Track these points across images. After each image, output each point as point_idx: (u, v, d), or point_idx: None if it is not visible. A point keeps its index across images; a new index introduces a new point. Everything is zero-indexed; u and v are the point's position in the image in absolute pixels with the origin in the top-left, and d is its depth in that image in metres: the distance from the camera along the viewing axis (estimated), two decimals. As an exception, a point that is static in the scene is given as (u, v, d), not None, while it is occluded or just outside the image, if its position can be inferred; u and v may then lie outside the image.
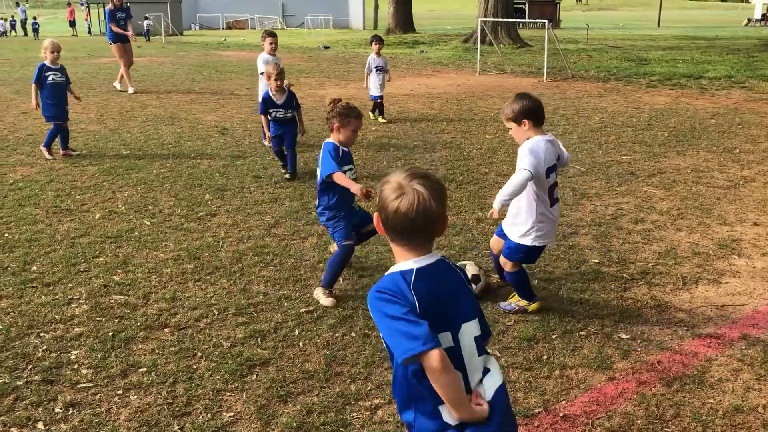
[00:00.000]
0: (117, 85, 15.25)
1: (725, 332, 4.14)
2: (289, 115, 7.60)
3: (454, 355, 2.02)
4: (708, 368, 3.72)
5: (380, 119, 11.26)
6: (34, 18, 43.09)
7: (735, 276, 4.98)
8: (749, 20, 54.61)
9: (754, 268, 5.13)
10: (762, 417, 3.29)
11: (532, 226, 4.14)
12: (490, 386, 2.10)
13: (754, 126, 10.60)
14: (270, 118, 7.59)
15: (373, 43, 11.30)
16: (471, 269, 4.58)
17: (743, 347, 3.94)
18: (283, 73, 7.52)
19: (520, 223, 4.20)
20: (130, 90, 14.71)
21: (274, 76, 7.42)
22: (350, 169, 4.75)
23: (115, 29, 14.58)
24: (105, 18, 15.14)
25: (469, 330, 2.07)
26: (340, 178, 4.50)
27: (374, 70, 11.11)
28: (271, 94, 7.53)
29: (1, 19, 44.98)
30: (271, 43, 9.47)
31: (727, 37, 34.48)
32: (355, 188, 4.47)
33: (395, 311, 1.96)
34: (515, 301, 4.38)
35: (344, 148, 4.75)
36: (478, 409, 2.03)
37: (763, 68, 18.28)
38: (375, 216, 2.12)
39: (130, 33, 14.68)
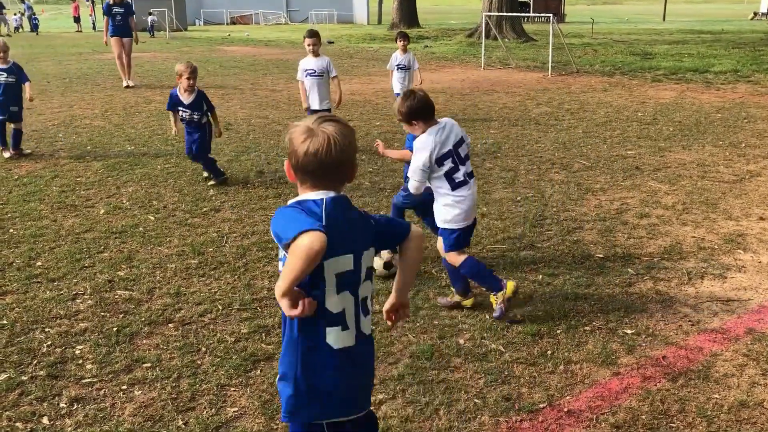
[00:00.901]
0: (126, 81, 15.24)
1: (731, 327, 4.12)
2: (196, 117, 7.04)
3: (353, 279, 2.14)
4: (713, 363, 3.71)
5: None
6: (33, 13, 43.03)
7: (740, 271, 4.96)
8: (755, 14, 54.21)
9: (759, 262, 5.10)
10: (767, 412, 3.27)
11: (443, 212, 4.24)
12: (366, 326, 2.23)
13: (760, 120, 10.55)
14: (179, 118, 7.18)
15: (398, 40, 10.50)
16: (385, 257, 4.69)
17: (749, 342, 3.93)
18: (196, 72, 6.99)
19: (435, 211, 4.33)
20: (127, 83, 14.82)
21: (187, 74, 6.92)
22: None
23: (105, 23, 14.85)
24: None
25: (366, 258, 2.19)
26: None
27: (396, 68, 10.33)
28: (179, 92, 7.03)
29: (16, 13, 44.93)
30: (309, 45, 8.20)
31: (733, 31, 34.30)
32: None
33: (296, 214, 2.02)
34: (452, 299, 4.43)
35: None
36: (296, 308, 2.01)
37: (769, 62, 18.18)
38: (285, 163, 2.14)
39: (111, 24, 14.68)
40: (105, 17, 15.07)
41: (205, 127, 7.21)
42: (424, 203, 4.77)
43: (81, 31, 40.93)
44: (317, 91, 8.24)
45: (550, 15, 18.37)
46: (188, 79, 6.94)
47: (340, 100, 8.73)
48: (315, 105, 8.27)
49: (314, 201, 2.08)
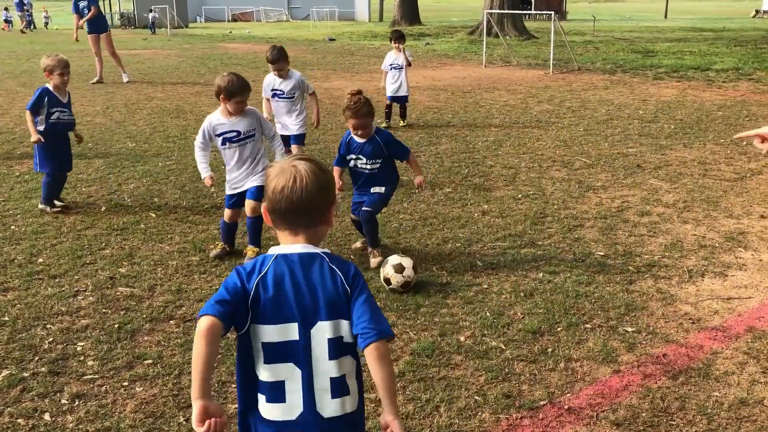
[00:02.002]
0: (125, 76, 15.26)
1: (731, 325, 4.12)
2: (72, 119, 6.28)
3: (294, 350, 1.93)
4: (713, 361, 3.71)
5: (385, 123, 10.06)
6: (27, 10, 42.86)
7: (741, 269, 4.96)
8: (757, 12, 54.12)
9: (760, 260, 5.11)
10: (767, 410, 3.28)
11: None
12: (328, 408, 1.95)
13: (762, 118, 10.53)
14: (50, 121, 6.06)
15: (392, 41, 10.30)
16: (399, 261, 4.53)
17: (749, 340, 3.93)
18: (69, 67, 6.10)
19: None
20: (93, 79, 14.91)
21: (60, 69, 6.04)
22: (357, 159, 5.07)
23: (75, 21, 14.98)
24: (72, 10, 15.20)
25: (322, 330, 1.94)
26: None
27: (390, 68, 10.06)
28: (52, 88, 6.10)
29: (7, 8, 44.80)
30: (273, 71, 7.02)
31: (734, 29, 34.25)
32: None
33: (227, 281, 1.97)
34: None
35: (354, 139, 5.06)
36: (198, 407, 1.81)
37: (771, 60, 18.16)
38: (262, 205, 2.07)
39: (80, 22, 14.82)
40: (74, 15, 15.05)
41: (68, 141, 6.35)
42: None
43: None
44: (286, 114, 6.96)
45: (552, 12, 18.36)
46: (62, 75, 6.07)
47: (319, 119, 7.30)
48: (284, 130, 6.90)
49: (265, 257, 2.01)
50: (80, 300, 4.48)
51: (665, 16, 53.49)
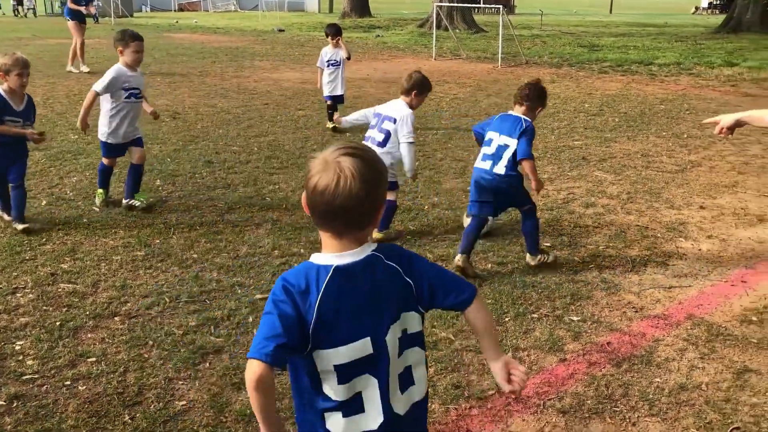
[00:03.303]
0: (71, 67, 14.81)
1: (672, 313, 4.25)
2: (27, 129, 5.46)
3: (372, 363, 1.81)
4: (655, 348, 3.82)
5: (328, 123, 9.35)
6: None
7: (682, 258, 5.11)
8: (696, 8, 55.74)
9: (699, 250, 5.27)
10: (705, 394, 3.39)
11: None
12: (399, 404, 1.89)
13: (701, 112, 10.87)
14: None
15: (329, 36, 9.55)
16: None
17: (689, 327, 4.06)
18: (29, 67, 5.32)
19: None
20: (85, 69, 14.53)
21: (18, 70, 5.19)
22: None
23: (72, 6, 14.53)
24: None
25: (393, 332, 1.85)
26: None
27: (327, 64, 9.38)
28: (5, 95, 5.26)
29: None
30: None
31: (676, 25, 35.23)
32: None
33: (273, 315, 1.78)
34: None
35: None
36: None
37: (709, 55, 18.73)
38: (303, 194, 1.82)
39: (86, 9, 14.79)
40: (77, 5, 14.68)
41: (25, 148, 5.62)
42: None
43: (26, 16, 39.50)
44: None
45: (500, 6, 18.53)
46: (20, 76, 5.22)
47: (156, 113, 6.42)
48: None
49: (318, 269, 1.78)
50: (19, 297, 4.33)
51: (610, 11, 54.63)
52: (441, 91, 12.95)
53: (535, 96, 4.86)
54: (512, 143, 4.64)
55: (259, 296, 4.37)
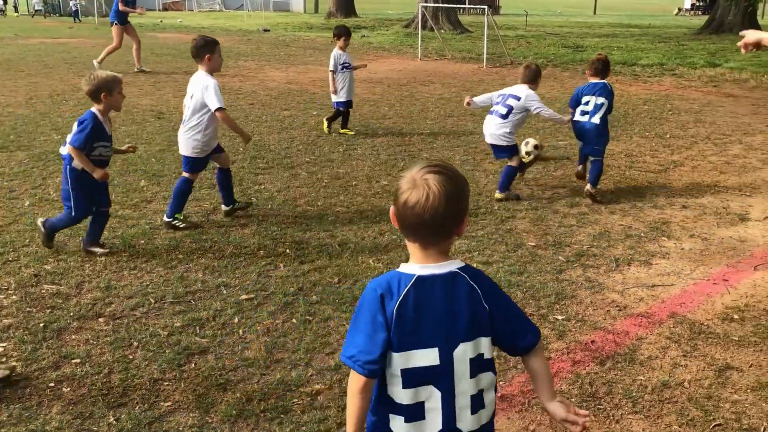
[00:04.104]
0: (141, 67, 15.20)
1: (655, 311, 4.29)
2: (111, 153, 5.09)
3: (434, 373, 1.91)
4: (639, 346, 3.86)
5: (346, 131, 9.15)
6: None
7: (665, 257, 5.16)
8: (679, 9, 56.19)
9: (682, 249, 5.33)
10: (687, 391, 3.43)
11: None
12: (467, 423, 1.98)
13: (684, 112, 10.97)
14: None
15: (339, 37, 9.17)
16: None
17: (671, 325, 4.10)
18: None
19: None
20: (145, 68, 15.19)
21: (119, 87, 4.89)
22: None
23: (123, 8, 14.79)
24: None
25: (465, 351, 1.93)
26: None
27: (341, 68, 9.01)
28: (101, 117, 4.85)
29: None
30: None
31: (659, 26, 35.51)
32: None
33: (365, 316, 1.91)
34: None
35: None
36: None
37: (692, 56, 18.91)
38: (391, 208, 1.97)
39: (138, 10, 15.60)
40: (120, 2, 14.93)
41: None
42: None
43: (13, 13, 39.10)
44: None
45: (485, 7, 18.61)
46: (121, 93, 4.94)
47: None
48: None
49: (401, 277, 1.92)
50: (2, 299, 4.30)
51: (594, 12, 54.96)
52: (426, 91, 12.98)
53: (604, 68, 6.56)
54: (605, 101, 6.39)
55: (244, 297, 4.36)
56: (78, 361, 3.61)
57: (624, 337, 3.96)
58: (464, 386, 1.94)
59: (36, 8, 39.37)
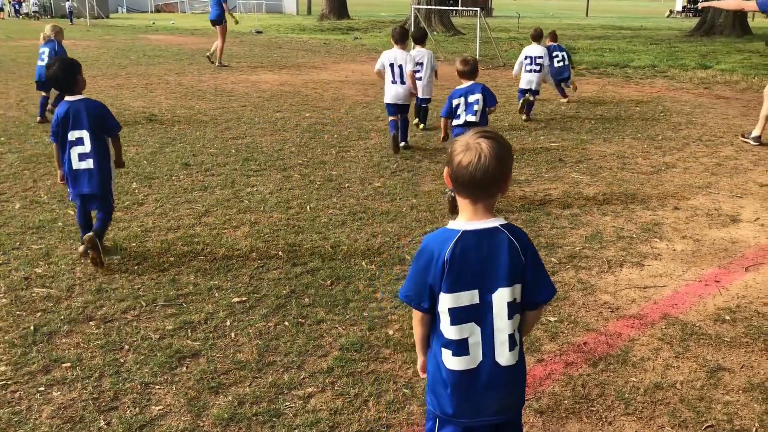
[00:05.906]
0: (222, 62, 16.78)
1: (647, 313, 4.30)
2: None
3: (475, 312, 2.21)
4: (631, 348, 3.86)
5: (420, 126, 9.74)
6: None
7: (657, 258, 5.18)
8: (671, 11, 56.44)
9: (674, 250, 5.34)
10: (680, 393, 3.44)
11: None
12: (505, 358, 2.26)
13: (675, 114, 11.01)
14: None
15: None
16: None
17: (663, 327, 4.11)
18: None
19: None
20: (224, 63, 16.95)
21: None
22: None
23: (226, 7, 16.48)
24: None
25: (503, 295, 2.21)
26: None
27: (419, 67, 9.23)
28: None
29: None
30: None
31: (651, 28, 35.64)
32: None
33: (418, 264, 2.23)
34: None
35: None
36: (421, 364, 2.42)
37: (683, 58, 18.98)
38: (445, 169, 2.25)
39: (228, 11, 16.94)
40: (224, 2, 16.59)
41: None
42: None
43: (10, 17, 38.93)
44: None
45: (478, 9, 18.63)
46: None
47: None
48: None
49: (450, 232, 2.21)
50: (-8, 302, 4.27)
51: (586, 14, 55.15)
52: (419, 93, 12.96)
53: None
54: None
55: (236, 299, 4.35)
56: (68, 364, 3.58)
57: (616, 339, 3.97)
58: (503, 324, 2.23)
59: (33, 10, 39.24)
